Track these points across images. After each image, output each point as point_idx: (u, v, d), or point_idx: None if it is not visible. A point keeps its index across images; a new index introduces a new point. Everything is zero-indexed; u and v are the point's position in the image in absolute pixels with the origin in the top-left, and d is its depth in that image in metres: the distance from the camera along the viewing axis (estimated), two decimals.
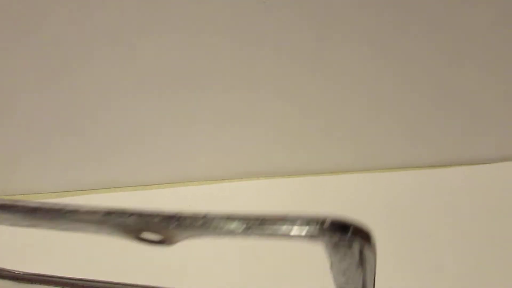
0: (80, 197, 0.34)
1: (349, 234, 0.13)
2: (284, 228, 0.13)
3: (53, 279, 0.25)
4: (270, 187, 0.32)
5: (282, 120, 0.31)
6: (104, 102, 0.31)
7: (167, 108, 0.31)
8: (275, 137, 0.32)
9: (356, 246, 0.14)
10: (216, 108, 0.31)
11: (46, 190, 0.35)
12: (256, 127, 0.32)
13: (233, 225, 0.13)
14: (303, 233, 0.13)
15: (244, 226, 0.13)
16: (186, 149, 0.33)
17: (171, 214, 0.14)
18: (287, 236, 0.13)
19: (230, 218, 0.13)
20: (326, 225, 0.13)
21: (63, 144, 0.33)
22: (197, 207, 0.30)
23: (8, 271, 0.25)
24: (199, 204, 0.32)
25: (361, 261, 0.15)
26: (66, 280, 0.25)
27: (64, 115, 0.32)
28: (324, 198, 0.31)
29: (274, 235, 0.13)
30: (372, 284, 0.17)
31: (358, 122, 0.31)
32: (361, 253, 0.15)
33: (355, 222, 0.13)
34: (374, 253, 0.14)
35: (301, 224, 0.13)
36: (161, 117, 0.32)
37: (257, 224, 0.13)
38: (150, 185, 0.34)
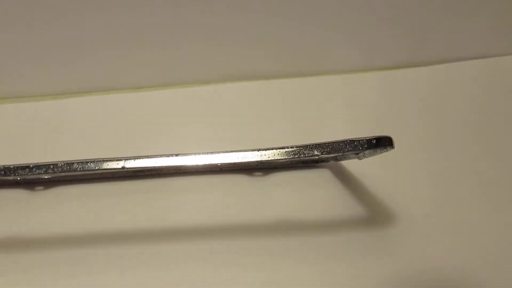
0: (76, 99, 0.37)
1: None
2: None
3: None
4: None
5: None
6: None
7: (160, 14, 0.35)
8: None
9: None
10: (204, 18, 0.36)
11: (40, 93, 0.38)
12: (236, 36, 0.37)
13: (324, 156, 0.23)
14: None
15: (330, 155, 0.24)
16: (176, 53, 0.37)
17: None
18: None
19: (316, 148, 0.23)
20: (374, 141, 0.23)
21: (57, 47, 0.36)
22: (191, 108, 0.36)
23: None
24: (192, 105, 0.37)
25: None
26: None
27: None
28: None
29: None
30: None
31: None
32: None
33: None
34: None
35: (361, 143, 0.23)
36: (153, 22, 0.35)
37: (334, 150, 0.23)
38: (142, 87, 0.38)
